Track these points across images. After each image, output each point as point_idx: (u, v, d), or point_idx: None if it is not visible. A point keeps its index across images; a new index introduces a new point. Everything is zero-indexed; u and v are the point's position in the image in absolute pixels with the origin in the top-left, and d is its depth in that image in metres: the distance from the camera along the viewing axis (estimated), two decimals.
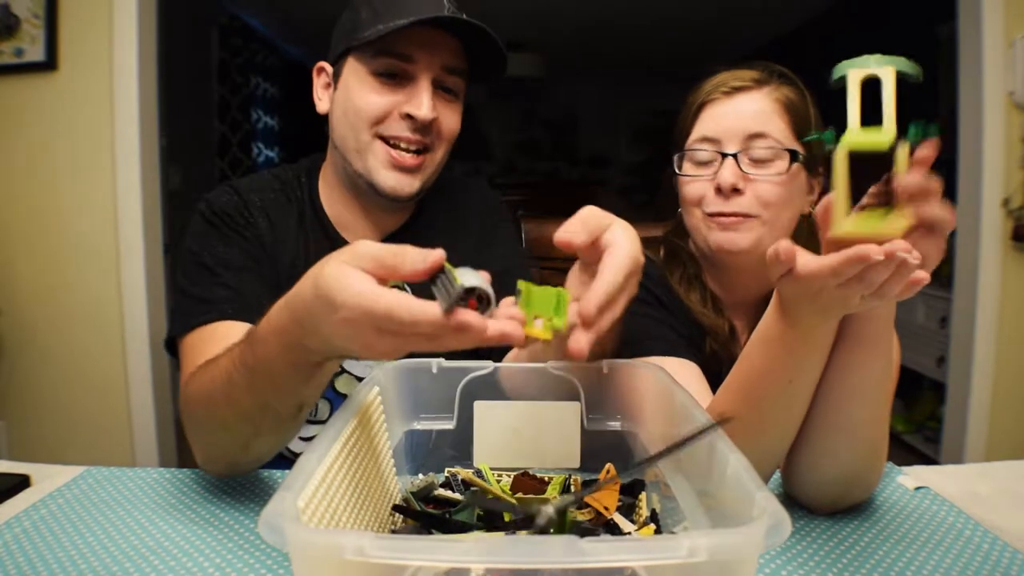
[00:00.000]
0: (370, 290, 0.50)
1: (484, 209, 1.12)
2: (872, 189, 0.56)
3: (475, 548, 0.38)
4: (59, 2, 2.13)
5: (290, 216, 1.00)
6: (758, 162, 0.89)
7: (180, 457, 2.41)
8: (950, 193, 2.29)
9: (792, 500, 0.77)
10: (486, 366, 0.74)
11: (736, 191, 0.89)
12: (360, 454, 0.60)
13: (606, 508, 0.65)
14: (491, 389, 0.75)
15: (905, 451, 3.00)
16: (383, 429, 0.69)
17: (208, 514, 0.75)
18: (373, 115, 0.91)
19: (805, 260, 0.55)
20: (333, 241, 1.00)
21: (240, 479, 0.84)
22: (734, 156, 0.89)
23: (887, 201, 0.55)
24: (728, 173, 0.89)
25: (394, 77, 0.91)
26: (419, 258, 0.51)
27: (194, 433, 0.77)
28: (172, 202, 3.12)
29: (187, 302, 0.90)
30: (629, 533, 0.61)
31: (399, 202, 0.96)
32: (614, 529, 0.62)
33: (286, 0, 4.13)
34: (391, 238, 1.02)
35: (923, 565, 0.65)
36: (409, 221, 1.05)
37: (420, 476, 0.73)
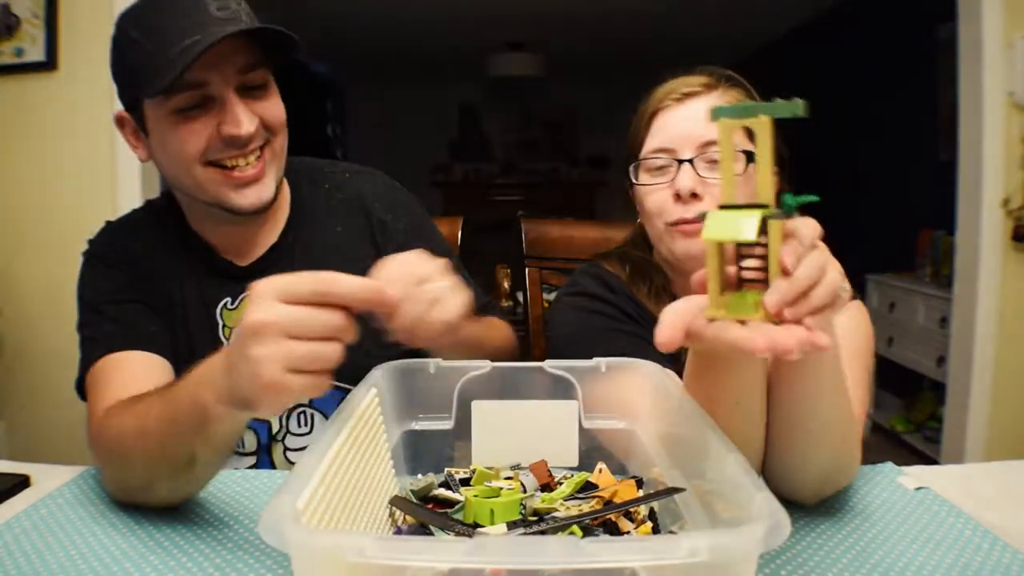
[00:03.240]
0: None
1: (385, 199, 1.07)
2: (749, 264, 0.54)
3: (476, 548, 0.38)
4: (59, 2, 2.13)
5: (164, 243, 0.99)
6: (714, 164, 0.89)
7: None
8: (950, 193, 2.30)
9: (780, 497, 0.76)
10: (483, 365, 0.75)
11: (695, 196, 0.88)
12: (358, 455, 0.60)
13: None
14: (489, 388, 0.75)
15: (905, 451, 3.00)
16: (381, 430, 0.69)
17: (208, 514, 0.75)
18: (194, 153, 0.86)
19: (703, 328, 0.54)
20: (213, 262, 0.98)
21: (241, 479, 0.84)
22: (690, 161, 0.89)
23: (764, 274, 0.52)
24: (686, 178, 0.88)
25: (198, 107, 0.85)
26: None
27: (103, 465, 0.79)
28: None
29: (84, 346, 0.94)
30: (628, 532, 0.62)
31: (262, 212, 0.93)
32: (612, 527, 0.62)
33: (284, 1, 4.13)
34: (276, 247, 1.00)
35: (923, 565, 0.65)
36: (288, 223, 1.01)
37: (419, 476, 0.73)
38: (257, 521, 0.72)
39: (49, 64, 2.15)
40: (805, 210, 0.53)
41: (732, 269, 0.54)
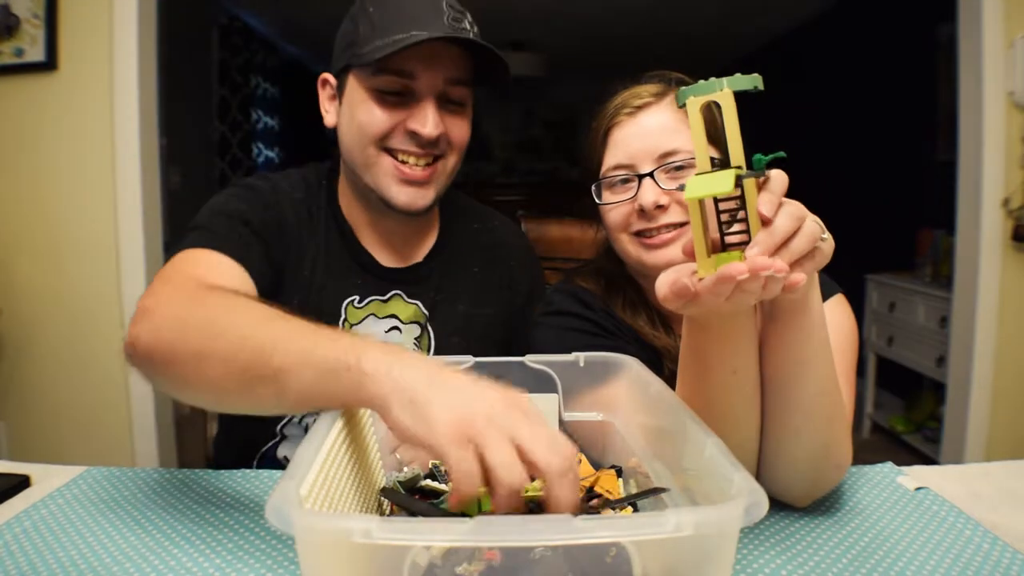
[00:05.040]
0: None
1: (523, 259, 1.12)
2: (733, 229, 0.58)
3: (476, 528, 0.40)
4: (59, 2, 2.13)
5: (311, 217, 0.99)
6: (676, 173, 0.89)
7: (180, 457, 2.41)
8: (950, 193, 2.30)
9: (773, 500, 0.76)
10: (466, 360, 0.76)
11: (660, 208, 0.89)
12: (350, 447, 0.61)
13: (608, 491, 0.66)
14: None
15: (905, 451, 3.00)
16: (369, 423, 0.70)
17: (208, 514, 0.75)
18: (377, 133, 0.90)
19: (695, 286, 0.58)
20: (355, 249, 1.00)
21: (241, 479, 0.84)
22: (650, 175, 0.89)
23: (747, 236, 0.57)
24: (649, 193, 0.88)
25: (397, 94, 0.90)
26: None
27: (168, 313, 0.68)
28: (172, 202, 3.12)
29: (192, 234, 0.87)
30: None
31: (413, 215, 0.95)
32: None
33: (286, 0, 4.13)
34: (419, 266, 1.03)
35: (923, 565, 0.65)
36: (435, 249, 1.05)
37: (405, 469, 0.74)
38: (258, 521, 0.73)
39: (49, 64, 2.15)
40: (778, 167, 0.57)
41: (715, 236, 0.58)
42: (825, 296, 0.85)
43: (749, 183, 0.56)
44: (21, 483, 0.82)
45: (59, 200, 2.21)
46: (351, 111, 0.92)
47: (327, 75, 0.98)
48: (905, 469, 0.87)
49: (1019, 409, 2.21)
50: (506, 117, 7.01)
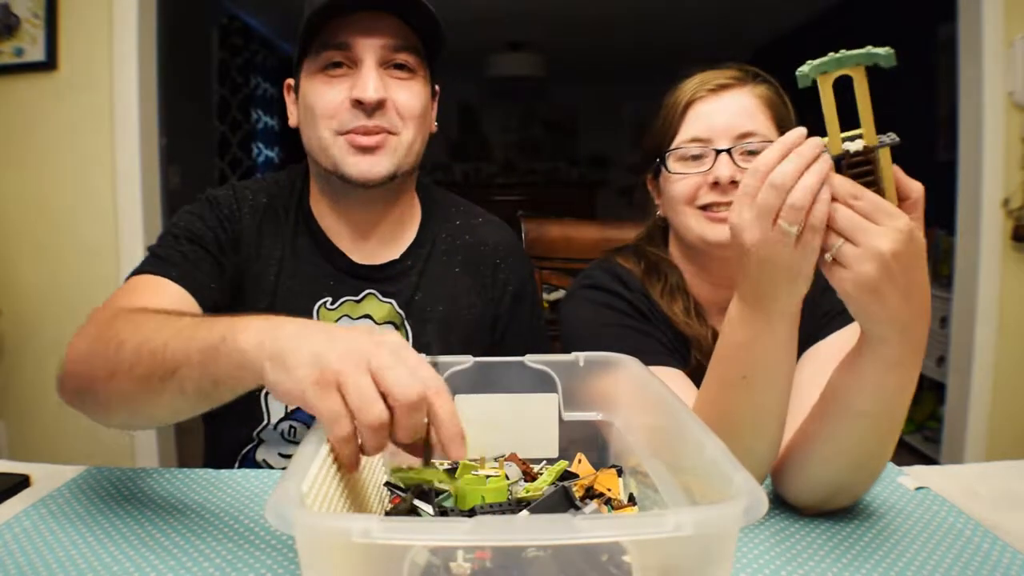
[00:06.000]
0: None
1: (509, 257, 1.08)
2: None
3: (475, 527, 0.39)
4: (59, 2, 2.13)
5: (278, 221, 1.00)
6: (749, 155, 0.91)
7: (180, 457, 2.41)
8: (950, 193, 2.30)
9: (780, 500, 0.76)
10: (465, 361, 0.76)
11: (733, 183, 0.89)
12: None
13: (609, 489, 0.66)
14: (472, 383, 0.76)
15: (905, 451, 3.00)
16: None
17: (208, 514, 0.75)
18: (326, 109, 0.90)
19: None
20: (328, 250, 0.99)
21: (242, 479, 0.84)
22: (728, 151, 0.91)
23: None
24: (725, 167, 0.90)
25: (340, 67, 0.91)
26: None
27: (82, 344, 0.73)
28: (172, 202, 3.11)
29: (145, 259, 0.94)
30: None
31: (370, 188, 0.93)
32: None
33: (286, 0, 4.14)
34: (395, 263, 1.01)
35: (923, 565, 0.65)
36: (413, 246, 1.03)
37: (404, 468, 0.74)
38: (258, 520, 0.73)
39: (49, 64, 2.15)
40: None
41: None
42: None
43: (884, 152, 0.63)
44: (21, 483, 0.82)
45: (59, 200, 2.21)
46: (305, 100, 0.94)
47: (289, 80, 1.00)
48: (905, 469, 0.87)
49: (1019, 409, 2.22)
50: (506, 117, 7.01)
